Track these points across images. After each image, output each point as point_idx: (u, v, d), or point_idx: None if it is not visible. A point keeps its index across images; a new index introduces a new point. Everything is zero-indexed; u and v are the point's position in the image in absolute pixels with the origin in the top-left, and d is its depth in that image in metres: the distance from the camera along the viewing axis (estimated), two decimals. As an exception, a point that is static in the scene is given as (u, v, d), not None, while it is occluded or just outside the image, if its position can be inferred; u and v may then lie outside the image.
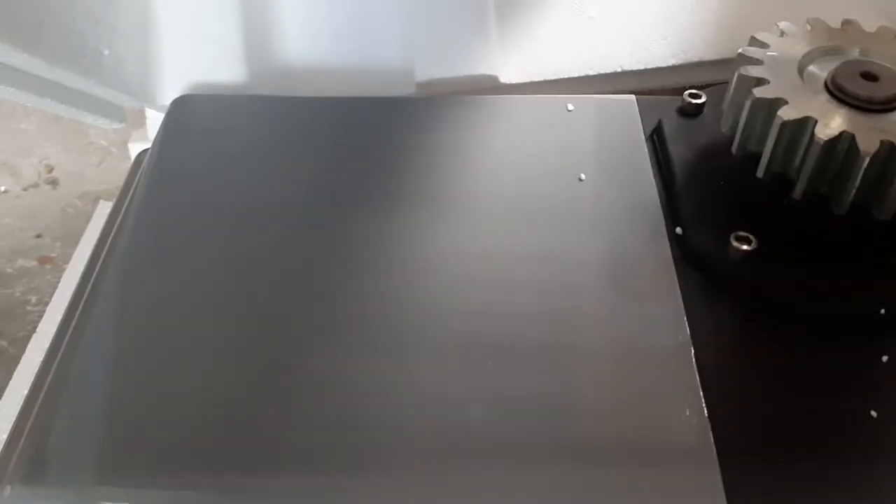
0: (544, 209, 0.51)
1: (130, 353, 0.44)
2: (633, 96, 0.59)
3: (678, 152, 0.53)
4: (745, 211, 0.48)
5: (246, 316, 0.45)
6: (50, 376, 0.44)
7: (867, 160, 0.43)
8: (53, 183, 1.02)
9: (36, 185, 1.02)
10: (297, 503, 0.39)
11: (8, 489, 0.39)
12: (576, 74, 0.68)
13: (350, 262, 0.47)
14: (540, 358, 0.43)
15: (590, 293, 0.46)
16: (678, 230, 0.49)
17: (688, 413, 0.40)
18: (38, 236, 0.96)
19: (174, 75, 0.63)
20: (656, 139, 0.56)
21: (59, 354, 0.45)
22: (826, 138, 0.43)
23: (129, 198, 0.56)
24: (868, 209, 0.46)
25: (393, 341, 0.43)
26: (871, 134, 0.43)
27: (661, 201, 0.52)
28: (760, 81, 0.46)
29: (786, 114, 0.45)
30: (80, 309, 0.47)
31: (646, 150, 0.55)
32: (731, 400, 0.41)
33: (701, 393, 0.41)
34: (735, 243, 0.46)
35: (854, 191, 0.44)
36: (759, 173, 0.47)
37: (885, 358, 0.43)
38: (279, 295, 0.46)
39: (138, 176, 0.56)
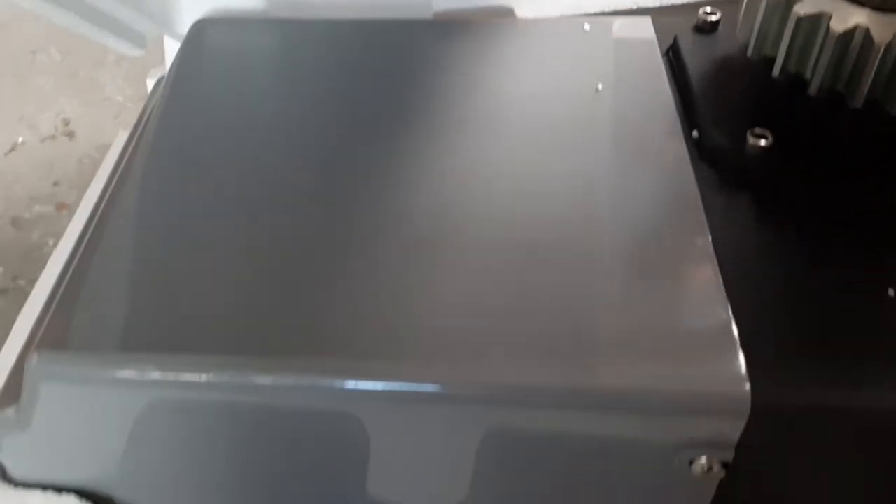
0: (562, 121, 0.52)
1: (153, 245, 0.44)
2: (648, 17, 0.60)
3: (694, 64, 0.54)
4: (761, 110, 0.49)
5: (263, 221, 0.45)
6: (74, 264, 0.45)
7: (882, 52, 0.43)
8: (70, 135, 1.03)
9: (53, 137, 1.03)
10: (309, 383, 0.39)
11: (35, 357, 0.39)
12: (591, 11, 0.68)
13: (368, 178, 0.47)
14: (560, 258, 0.43)
15: (608, 198, 0.46)
16: (695, 133, 0.49)
17: (710, 304, 0.40)
18: (56, 184, 0.97)
19: (193, 1, 0.64)
20: (672, 55, 0.56)
21: (82, 247, 0.46)
22: (841, 31, 0.44)
23: (144, 119, 0.56)
24: (882, 105, 0.46)
25: (412, 245, 0.44)
26: (886, 28, 0.44)
27: (678, 110, 0.52)
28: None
29: (801, 9, 0.45)
30: (98, 214, 0.48)
31: (662, 64, 0.55)
32: (751, 289, 0.42)
33: (722, 283, 0.41)
34: (752, 139, 0.47)
35: (868, 84, 0.45)
36: (775, 72, 0.48)
37: (900, 245, 0.43)
38: (296, 206, 0.46)
39: (154, 99, 0.57)
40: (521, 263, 0.43)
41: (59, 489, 0.44)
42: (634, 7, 0.69)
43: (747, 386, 0.37)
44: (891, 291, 0.41)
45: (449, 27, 0.60)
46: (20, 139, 1.03)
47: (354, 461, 0.42)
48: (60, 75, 1.10)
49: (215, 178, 0.48)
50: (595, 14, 0.69)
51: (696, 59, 0.54)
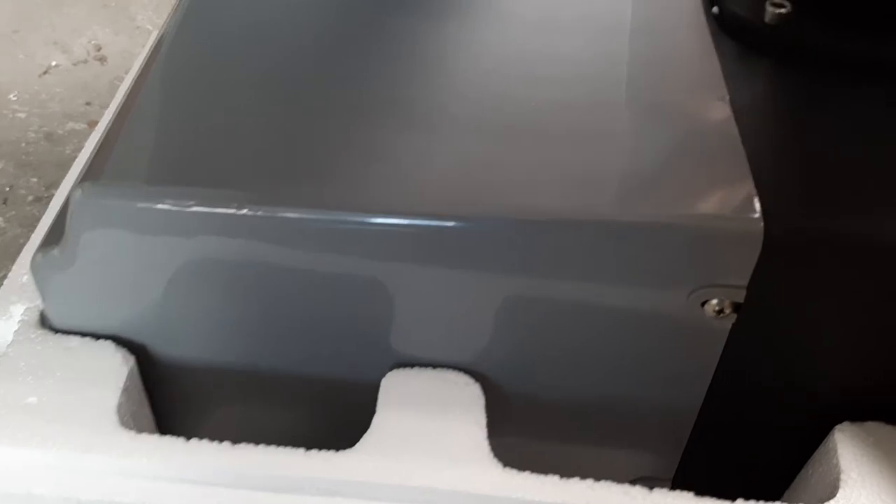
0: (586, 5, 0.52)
1: (186, 97, 0.46)
2: None
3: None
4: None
5: (284, 85, 0.47)
6: (111, 119, 0.47)
7: None
8: (102, 60, 1.05)
9: (85, 62, 1.05)
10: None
11: (78, 191, 0.41)
12: None
13: (398, 56, 0.49)
14: (584, 111, 0.44)
15: (633, 65, 0.47)
16: (715, 10, 0.50)
17: (725, 146, 0.41)
18: (88, 104, 0.99)
19: None
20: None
21: (118, 108, 0.47)
22: None
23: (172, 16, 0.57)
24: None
25: (426, 111, 0.45)
26: None
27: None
28: None
29: None
30: (131, 85, 0.49)
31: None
32: (766, 136, 0.43)
33: (737, 130, 0.42)
34: (770, 7, 0.47)
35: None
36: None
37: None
38: (322, 71, 0.48)
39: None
40: (546, 114, 0.44)
41: (97, 337, 0.46)
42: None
43: (759, 216, 0.38)
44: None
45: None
46: (54, 62, 1.05)
47: (379, 306, 0.43)
48: (93, 5, 1.12)
49: (240, 54, 0.49)
50: None
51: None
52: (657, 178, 0.40)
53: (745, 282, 0.39)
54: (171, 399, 0.49)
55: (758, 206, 0.38)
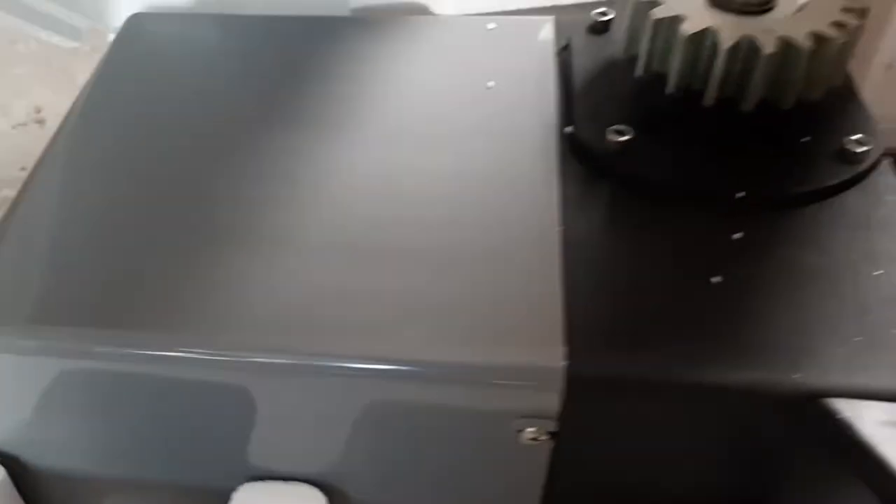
0: (449, 116, 0.55)
1: (59, 228, 0.49)
2: (552, 17, 0.63)
3: (579, 63, 0.57)
4: (627, 107, 0.52)
5: (159, 207, 0.50)
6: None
7: (725, 54, 0.47)
8: (41, 122, 1.07)
9: (24, 125, 1.07)
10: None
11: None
12: (509, 8, 0.71)
13: (257, 175, 0.51)
14: (415, 246, 0.47)
15: (473, 187, 0.50)
16: (568, 129, 0.53)
17: (544, 287, 0.44)
18: (23, 169, 1.01)
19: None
20: (564, 54, 0.59)
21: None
22: (688, 33, 0.47)
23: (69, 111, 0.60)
24: (735, 102, 0.49)
25: (280, 239, 0.47)
26: (735, 30, 0.47)
27: (560, 108, 0.55)
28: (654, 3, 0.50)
29: (659, 12, 0.49)
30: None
31: (553, 64, 0.59)
32: (589, 274, 0.45)
33: (560, 268, 0.45)
34: (611, 135, 0.50)
35: (717, 84, 0.48)
36: (638, 72, 0.51)
37: (737, 235, 0.47)
38: (188, 197, 0.50)
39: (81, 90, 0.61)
40: (378, 252, 0.46)
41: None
42: (551, 5, 0.72)
43: (562, 359, 0.41)
44: (714, 279, 0.45)
45: (357, 24, 0.64)
46: (-6, 125, 1.07)
47: (241, 427, 0.46)
48: (38, 64, 1.14)
49: (120, 168, 0.52)
50: (512, 10, 0.72)
51: (582, 59, 0.57)
52: (471, 321, 0.42)
53: (554, 414, 0.42)
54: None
55: (562, 349, 0.41)
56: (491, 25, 0.62)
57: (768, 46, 0.45)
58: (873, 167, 0.50)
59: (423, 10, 0.69)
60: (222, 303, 0.44)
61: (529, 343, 0.41)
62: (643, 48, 0.50)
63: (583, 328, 0.42)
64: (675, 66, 0.48)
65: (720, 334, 0.42)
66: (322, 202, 0.49)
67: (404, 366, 0.42)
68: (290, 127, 0.54)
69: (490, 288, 0.44)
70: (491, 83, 0.57)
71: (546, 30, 0.62)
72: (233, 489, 0.48)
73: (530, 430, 0.43)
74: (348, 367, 0.42)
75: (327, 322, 0.43)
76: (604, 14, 0.59)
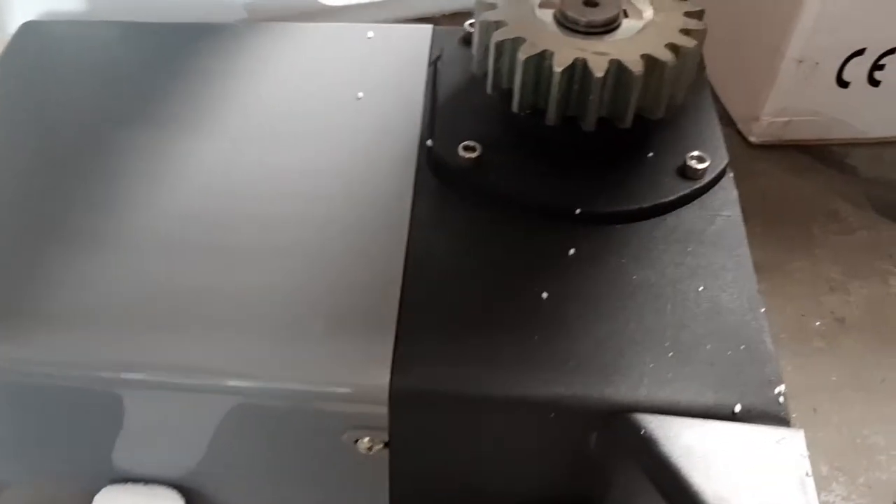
0: (318, 125, 0.57)
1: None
2: (430, 26, 0.65)
3: (446, 76, 0.59)
4: (478, 123, 0.54)
5: (27, 211, 0.52)
6: None
7: (559, 77, 0.48)
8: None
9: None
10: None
11: None
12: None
13: (127, 177, 0.53)
14: (264, 252, 0.49)
15: (331, 198, 0.52)
16: (429, 142, 0.55)
17: (381, 300, 0.46)
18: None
19: (23, 2, 0.69)
20: (436, 65, 0.61)
21: None
22: (525, 56, 0.49)
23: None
24: (577, 120, 0.51)
25: (149, 240, 0.50)
26: (570, 54, 0.49)
27: (425, 119, 0.57)
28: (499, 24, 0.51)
29: (500, 34, 0.50)
30: None
31: (424, 75, 0.61)
32: (427, 282, 0.48)
33: (401, 275, 0.47)
34: (462, 152, 0.52)
35: (556, 104, 0.50)
36: (488, 89, 0.53)
37: (572, 251, 0.49)
38: (66, 201, 0.52)
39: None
40: (224, 257, 0.49)
41: None
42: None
43: (386, 379, 0.43)
44: (544, 294, 0.47)
45: (240, 31, 0.65)
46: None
47: (97, 431, 0.49)
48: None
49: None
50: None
51: (448, 71, 0.59)
52: (304, 340, 0.45)
53: (385, 425, 0.44)
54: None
55: (388, 366, 0.43)
56: (370, 34, 0.64)
57: (598, 70, 0.47)
58: (714, 183, 0.53)
59: (316, 5, 0.70)
60: (62, 306, 0.46)
61: (358, 359, 0.44)
62: (490, 67, 0.51)
63: (412, 342, 0.44)
64: (517, 86, 0.50)
65: (540, 349, 0.45)
66: (178, 202, 0.51)
67: (232, 381, 0.44)
68: (161, 130, 0.56)
69: (325, 298, 0.46)
70: (360, 94, 0.59)
71: (423, 40, 0.63)
72: (97, 491, 0.50)
73: (365, 441, 0.45)
74: (180, 383, 0.44)
75: (162, 327, 0.45)
76: (472, 25, 0.61)
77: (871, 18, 0.94)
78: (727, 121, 1.11)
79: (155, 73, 0.61)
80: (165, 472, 0.50)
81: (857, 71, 1.00)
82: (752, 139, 1.08)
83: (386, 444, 0.46)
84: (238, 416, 0.46)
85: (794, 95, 1.02)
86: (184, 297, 0.46)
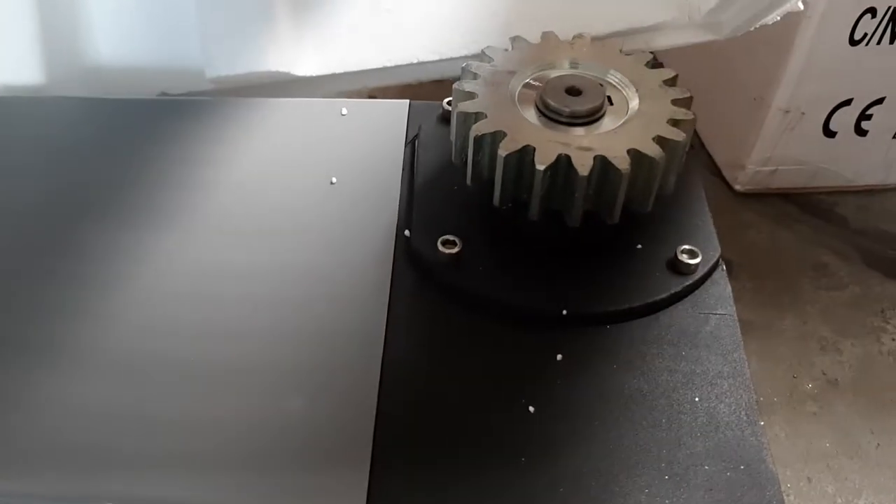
0: (288, 214, 0.54)
1: None
2: (407, 101, 0.62)
3: (424, 159, 0.56)
4: (458, 216, 0.51)
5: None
6: None
7: (541, 174, 0.46)
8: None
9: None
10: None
11: None
12: (374, 66, 0.70)
13: (64, 276, 0.50)
14: (231, 372, 0.46)
15: (304, 299, 0.49)
16: (406, 232, 0.52)
17: (356, 412, 0.43)
18: None
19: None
20: (414, 146, 0.58)
21: None
22: (506, 153, 0.46)
23: None
24: (561, 215, 0.49)
25: (75, 356, 0.46)
26: (553, 149, 0.46)
27: (402, 205, 0.54)
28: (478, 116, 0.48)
29: (479, 128, 0.48)
30: None
31: (402, 155, 0.58)
32: (405, 400, 0.45)
33: (377, 392, 0.44)
34: (441, 247, 0.49)
35: (539, 200, 0.47)
36: (468, 181, 0.50)
37: (559, 356, 0.46)
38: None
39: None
40: (189, 376, 0.45)
41: None
42: (416, 61, 0.71)
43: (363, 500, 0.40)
44: (531, 409, 0.44)
45: (207, 105, 0.62)
46: None
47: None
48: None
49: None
50: (378, 68, 0.71)
51: (426, 154, 0.56)
52: (275, 475, 0.42)
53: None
54: None
55: (364, 494, 0.40)
56: (344, 111, 0.61)
57: (583, 168, 0.45)
58: (706, 277, 0.50)
59: (286, 76, 0.68)
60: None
61: (332, 493, 0.41)
62: (469, 159, 0.49)
63: (388, 474, 0.41)
64: (498, 181, 0.47)
65: (527, 474, 0.42)
66: (134, 310, 0.48)
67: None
68: (117, 222, 0.53)
69: (298, 426, 0.43)
70: (334, 179, 0.56)
71: (399, 118, 0.61)
72: None
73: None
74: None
75: (125, 461, 0.42)
76: (450, 104, 0.58)
77: (857, 69, 0.92)
78: (713, 169, 1.09)
79: (112, 156, 0.58)
80: None
81: (843, 120, 0.98)
82: (738, 187, 1.06)
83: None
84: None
85: (780, 144, 1.00)
86: (147, 428, 0.43)
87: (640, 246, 0.51)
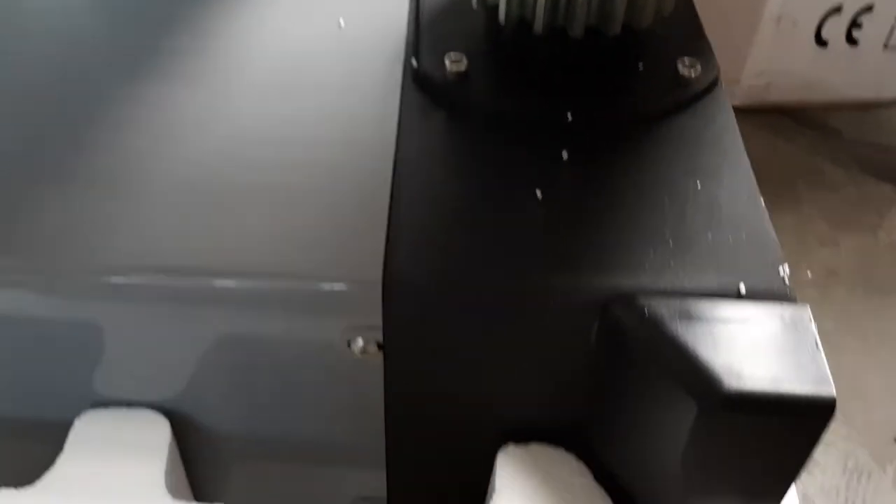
0: (304, 51, 0.56)
1: None
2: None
3: (430, -1, 0.58)
4: (465, 37, 0.53)
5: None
6: None
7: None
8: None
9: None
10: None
11: None
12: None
13: (115, 125, 0.51)
14: (260, 171, 0.48)
15: (318, 119, 0.51)
16: (413, 62, 0.54)
17: (371, 195, 0.45)
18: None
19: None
20: (419, -11, 0.60)
21: None
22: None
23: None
24: (565, 31, 0.50)
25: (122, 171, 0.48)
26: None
27: (409, 39, 0.56)
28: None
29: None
30: None
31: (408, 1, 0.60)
32: (417, 186, 0.46)
33: (390, 181, 0.46)
34: (449, 65, 0.51)
35: (543, 12, 0.49)
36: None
37: (565, 154, 0.48)
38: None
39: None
40: (217, 185, 0.47)
41: None
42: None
43: (379, 268, 0.42)
44: (538, 193, 0.46)
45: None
46: None
47: (79, 353, 0.47)
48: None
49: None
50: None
51: (433, -6, 0.58)
52: (297, 232, 0.43)
53: (378, 323, 0.43)
54: None
55: (381, 256, 0.42)
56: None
57: (586, -25, 0.46)
58: (707, 90, 0.52)
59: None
60: (59, 228, 0.44)
61: (351, 255, 0.42)
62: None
63: (403, 238, 0.43)
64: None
65: (537, 241, 0.44)
66: (164, 142, 0.50)
67: (236, 280, 0.42)
68: (141, 78, 0.55)
69: (318, 205, 0.45)
70: (342, 22, 0.58)
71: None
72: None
73: (358, 343, 0.44)
74: (187, 286, 0.42)
75: (167, 246, 0.43)
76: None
77: (847, -26, 0.95)
78: (708, 87, 1.11)
79: (141, 17, 0.60)
80: (148, 394, 0.48)
81: (834, 29, 1.00)
82: (734, 103, 1.08)
83: (380, 347, 0.44)
84: (229, 325, 0.44)
85: (774, 56, 1.02)
86: (182, 202, 0.45)
87: (641, 63, 0.52)
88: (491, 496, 0.46)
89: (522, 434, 0.49)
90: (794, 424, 0.38)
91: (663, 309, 0.40)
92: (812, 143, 1.01)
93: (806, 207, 0.93)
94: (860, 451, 0.75)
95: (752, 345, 0.39)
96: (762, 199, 0.46)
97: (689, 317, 0.40)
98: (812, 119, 1.03)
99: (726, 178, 0.47)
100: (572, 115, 0.49)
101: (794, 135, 1.01)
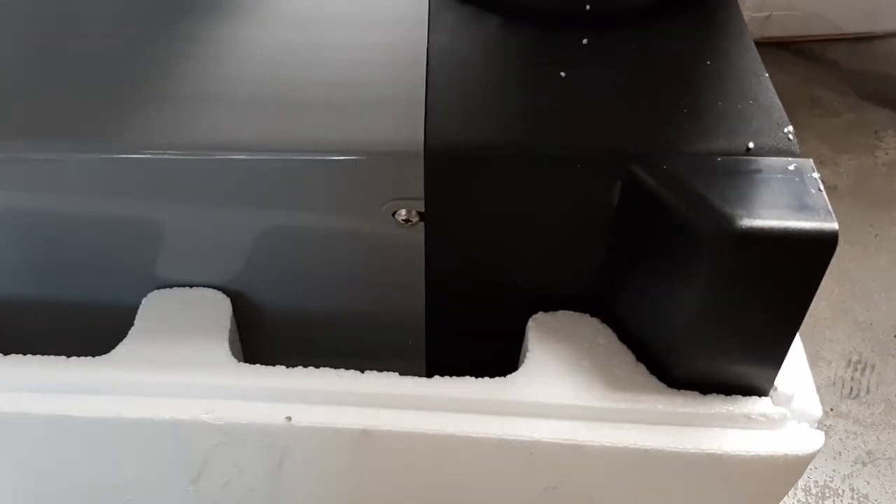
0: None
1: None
2: None
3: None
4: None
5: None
6: None
7: None
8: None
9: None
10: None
11: None
12: None
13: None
14: (306, 62, 0.52)
15: (356, 22, 0.55)
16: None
17: (407, 79, 0.49)
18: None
19: None
20: None
21: None
22: None
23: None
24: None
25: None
26: None
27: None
28: None
29: None
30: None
31: None
32: (450, 69, 0.50)
33: (425, 64, 0.50)
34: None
35: None
36: None
37: (584, 40, 0.52)
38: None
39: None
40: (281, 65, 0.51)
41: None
42: None
43: (421, 137, 0.46)
44: (562, 73, 0.50)
45: None
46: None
47: (144, 236, 0.51)
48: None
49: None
50: None
51: None
52: (344, 112, 0.47)
53: (421, 193, 0.47)
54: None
55: (421, 129, 0.46)
56: None
57: None
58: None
59: None
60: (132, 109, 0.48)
61: (393, 126, 0.46)
62: None
63: (441, 110, 0.47)
64: None
65: (564, 109, 0.48)
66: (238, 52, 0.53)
67: (290, 154, 0.46)
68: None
69: (359, 86, 0.49)
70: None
71: None
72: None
73: (402, 213, 0.48)
74: (234, 160, 0.46)
75: (225, 116, 0.47)
76: None
77: None
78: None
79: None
80: (208, 275, 0.52)
81: (831, -37, 1.04)
82: (735, 38, 1.12)
83: (421, 217, 0.48)
84: (283, 200, 0.48)
85: (773, -10, 1.06)
86: (241, 85, 0.49)
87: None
88: (524, 356, 0.51)
89: (551, 303, 0.53)
90: (801, 256, 0.42)
91: (681, 166, 0.44)
92: (811, 75, 1.05)
93: (806, 133, 0.97)
94: (863, 346, 0.80)
95: (762, 190, 0.43)
96: (767, 74, 0.50)
97: (704, 171, 0.44)
98: (809, 52, 1.07)
99: (734, 58, 0.51)
100: (591, 5, 0.53)
101: (793, 67, 1.05)
